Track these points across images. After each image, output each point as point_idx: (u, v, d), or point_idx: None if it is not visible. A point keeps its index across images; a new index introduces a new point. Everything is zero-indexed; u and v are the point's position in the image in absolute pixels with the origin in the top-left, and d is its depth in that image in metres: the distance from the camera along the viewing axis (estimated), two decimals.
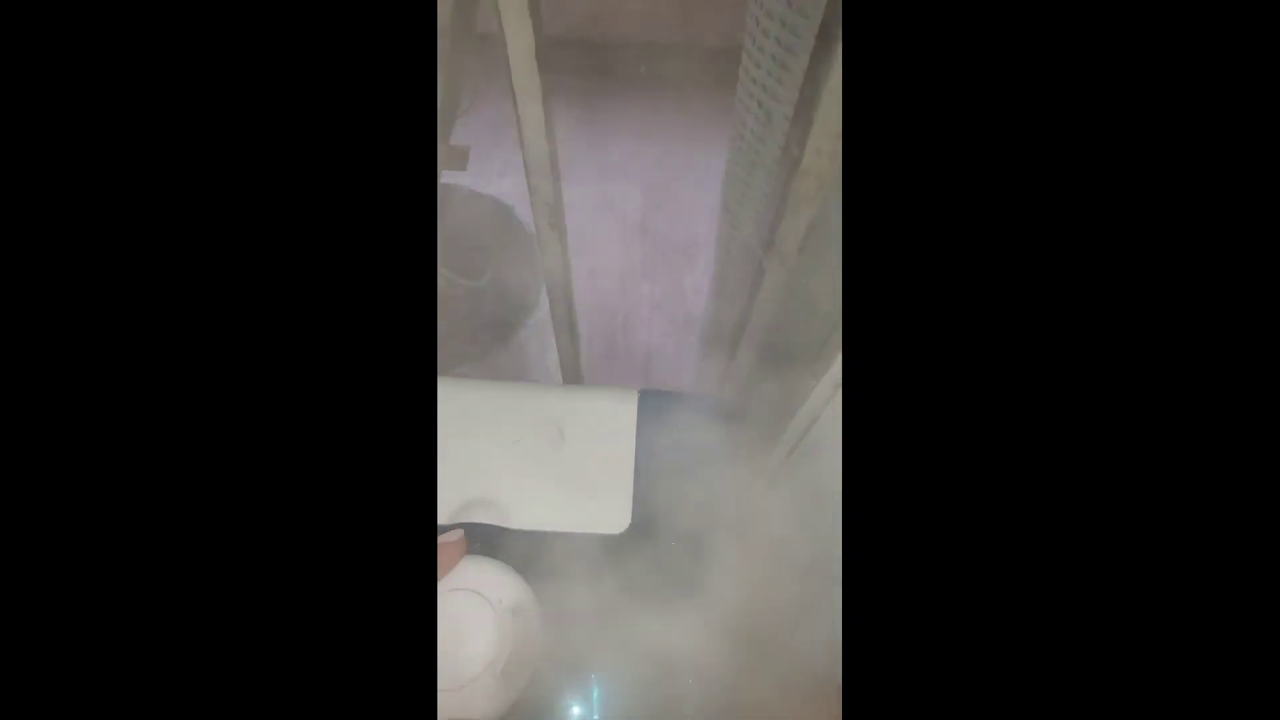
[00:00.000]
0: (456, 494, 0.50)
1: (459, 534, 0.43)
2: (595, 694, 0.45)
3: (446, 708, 0.39)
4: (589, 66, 1.78)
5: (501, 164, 1.94)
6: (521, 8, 0.42)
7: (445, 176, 1.09)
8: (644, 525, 0.48)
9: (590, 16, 1.74)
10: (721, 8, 1.60)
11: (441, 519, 0.49)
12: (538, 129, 0.51)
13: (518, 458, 0.51)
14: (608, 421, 0.52)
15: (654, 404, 0.54)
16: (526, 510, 0.49)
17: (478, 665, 0.39)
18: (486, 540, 0.47)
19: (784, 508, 0.54)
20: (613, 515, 0.48)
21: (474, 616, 0.40)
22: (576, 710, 0.45)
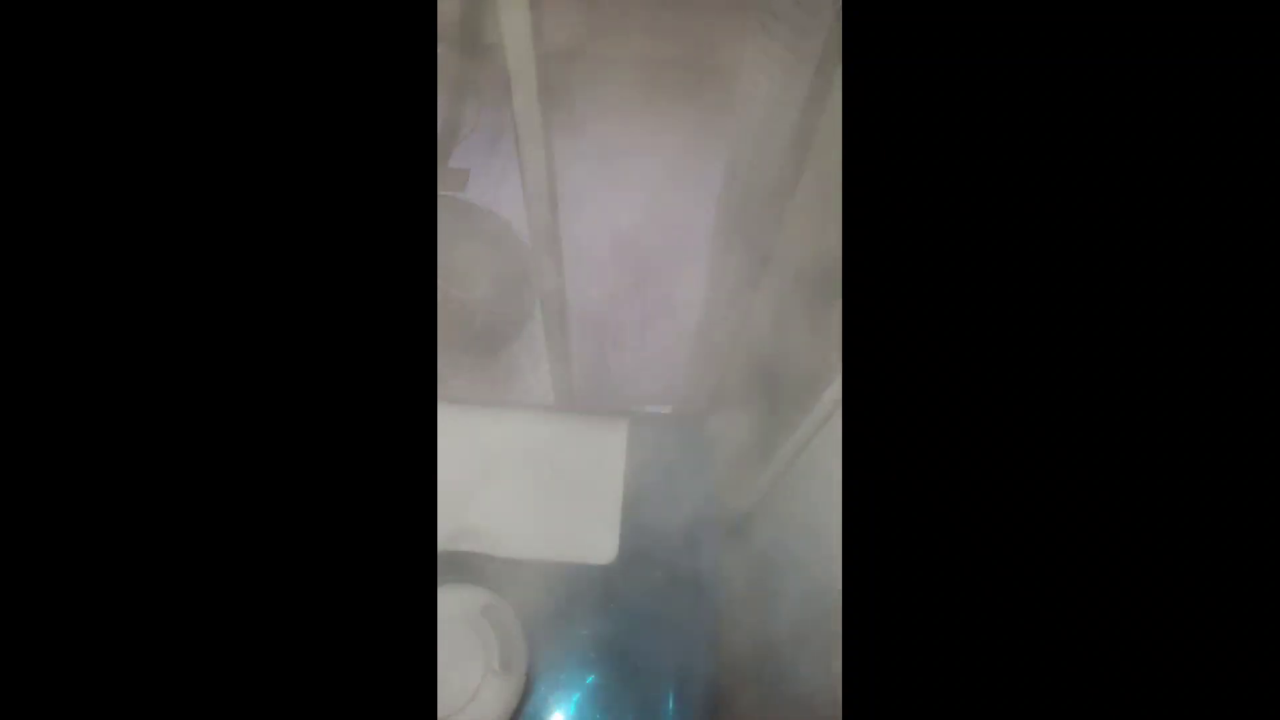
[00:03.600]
0: (447, 522, 0.50)
1: None
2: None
3: (473, 718, 0.41)
4: (589, 79, 1.79)
5: (499, 171, 1.95)
6: (529, 61, 0.43)
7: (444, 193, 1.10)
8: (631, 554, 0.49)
9: (592, 30, 1.75)
10: (723, 27, 1.62)
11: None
12: (539, 167, 0.52)
13: (507, 486, 0.52)
14: (597, 449, 0.53)
15: (644, 430, 0.55)
16: (515, 539, 0.49)
17: (478, 670, 0.42)
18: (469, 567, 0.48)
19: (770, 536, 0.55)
20: (601, 545, 0.49)
21: (451, 631, 0.42)
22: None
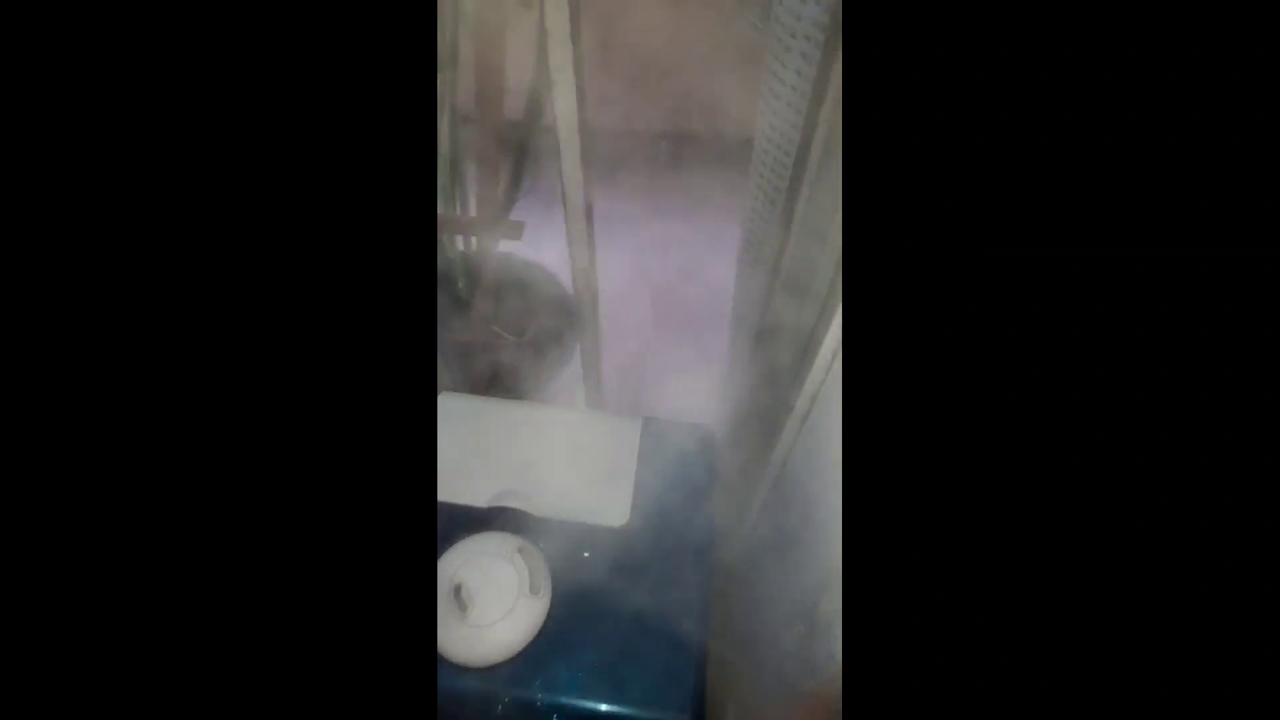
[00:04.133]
0: (495, 485, 0.66)
1: None
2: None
3: (507, 629, 0.54)
4: (629, 151, 1.98)
5: (552, 231, 2.12)
6: (574, 133, 0.57)
7: (502, 246, 1.26)
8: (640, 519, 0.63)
9: (630, 110, 1.94)
10: (743, 105, 1.78)
11: (481, 504, 0.64)
12: (581, 223, 0.67)
13: (544, 461, 0.66)
14: (617, 438, 0.67)
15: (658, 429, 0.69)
16: (548, 501, 0.63)
17: (512, 593, 0.54)
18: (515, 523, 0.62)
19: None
20: (616, 510, 0.63)
21: (492, 564, 0.55)
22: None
